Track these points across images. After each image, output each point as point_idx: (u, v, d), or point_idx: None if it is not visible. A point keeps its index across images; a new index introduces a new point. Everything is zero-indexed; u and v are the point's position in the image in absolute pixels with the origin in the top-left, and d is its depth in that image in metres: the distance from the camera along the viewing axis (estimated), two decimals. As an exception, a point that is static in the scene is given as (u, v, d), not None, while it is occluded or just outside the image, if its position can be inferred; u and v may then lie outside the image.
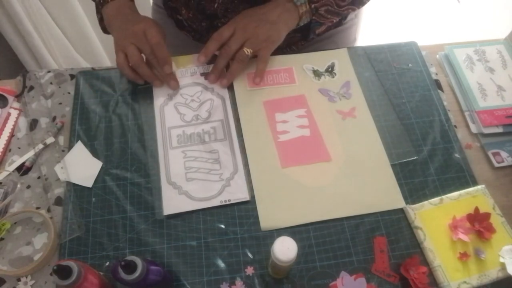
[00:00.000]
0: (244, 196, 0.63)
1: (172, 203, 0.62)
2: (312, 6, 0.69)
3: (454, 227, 0.61)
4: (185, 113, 0.71)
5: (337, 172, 0.66)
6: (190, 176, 0.65)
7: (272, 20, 0.68)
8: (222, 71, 0.72)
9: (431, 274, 0.59)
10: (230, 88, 0.74)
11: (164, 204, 0.62)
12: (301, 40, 0.81)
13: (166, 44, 0.68)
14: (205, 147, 0.67)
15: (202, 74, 0.75)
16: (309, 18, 0.71)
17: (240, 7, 0.72)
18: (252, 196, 0.64)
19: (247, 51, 0.68)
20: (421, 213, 0.62)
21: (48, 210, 0.62)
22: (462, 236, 0.59)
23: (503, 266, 0.58)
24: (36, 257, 0.58)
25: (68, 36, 1.31)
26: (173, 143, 0.68)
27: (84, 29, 1.31)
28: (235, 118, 0.71)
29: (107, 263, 0.58)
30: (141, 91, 0.73)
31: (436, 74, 0.79)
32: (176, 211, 0.62)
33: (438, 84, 0.77)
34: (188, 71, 0.75)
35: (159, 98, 0.72)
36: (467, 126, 0.73)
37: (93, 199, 0.63)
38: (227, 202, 0.63)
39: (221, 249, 0.60)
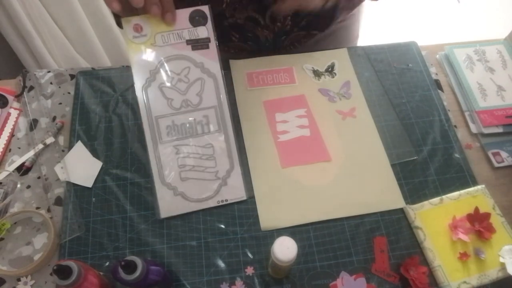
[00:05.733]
0: (241, 195, 0.63)
1: (168, 205, 0.62)
2: None
3: (454, 227, 0.61)
4: (172, 98, 0.62)
5: (337, 172, 0.66)
6: (184, 175, 0.63)
7: None
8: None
9: (431, 274, 0.59)
10: (225, 65, 0.67)
11: (160, 206, 0.61)
12: (305, 37, 0.81)
13: None
14: (198, 140, 0.63)
15: (188, 42, 0.62)
16: None
17: (249, 7, 0.71)
18: (250, 196, 0.64)
19: None
20: (421, 213, 0.62)
21: (48, 210, 0.62)
22: (462, 236, 0.59)
23: (503, 266, 0.58)
24: (36, 257, 0.58)
25: (68, 36, 1.31)
26: (163, 136, 0.62)
27: (84, 29, 1.30)
28: (230, 102, 0.64)
29: (107, 263, 0.58)
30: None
31: (436, 74, 0.79)
32: (173, 213, 0.62)
33: (438, 84, 0.77)
34: (170, 36, 0.61)
35: (140, 77, 0.61)
36: (467, 126, 0.73)
37: (93, 199, 0.63)
38: (224, 203, 0.63)
39: (221, 249, 0.60)
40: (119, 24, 0.64)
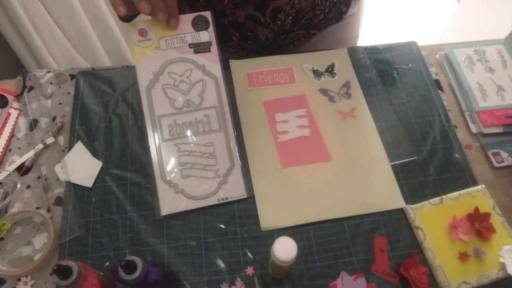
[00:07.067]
0: (241, 193, 0.63)
1: (169, 203, 0.62)
2: None
3: (454, 227, 0.61)
4: (175, 98, 0.64)
5: (337, 172, 0.66)
6: (185, 173, 0.63)
7: None
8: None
9: (431, 274, 0.59)
10: (225, 65, 0.69)
11: (161, 204, 0.62)
12: (305, 36, 0.81)
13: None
14: (199, 139, 0.64)
15: (191, 46, 0.64)
16: None
17: (250, 1, 0.71)
18: (251, 196, 0.64)
19: None
20: (421, 213, 0.62)
21: (48, 210, 0.62)
22: (462, 236, 0.59)
23: (503, 266, 0.58)
24: (36, 257, 0.58)
25: (68, 36, 1.31)
26: (165, 135, 0.63)
27: (84, 29, 1.30)
28: (230, 102, 0.66)
29: (107, 263, 0.58)
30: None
31: (436, 74, 0.79)
32: (174, 211, 0.62)
33: (438, 84, 0.77)
34: (173, 40, 0.63)
35: (144, 78, 0.64)
36: (467, 126, 0.73)
37: (93, 199, 0.63)
38: (225, 200, 0.63)
39: (221, 249, 0.60)
40: (123, 19, 0.64)
